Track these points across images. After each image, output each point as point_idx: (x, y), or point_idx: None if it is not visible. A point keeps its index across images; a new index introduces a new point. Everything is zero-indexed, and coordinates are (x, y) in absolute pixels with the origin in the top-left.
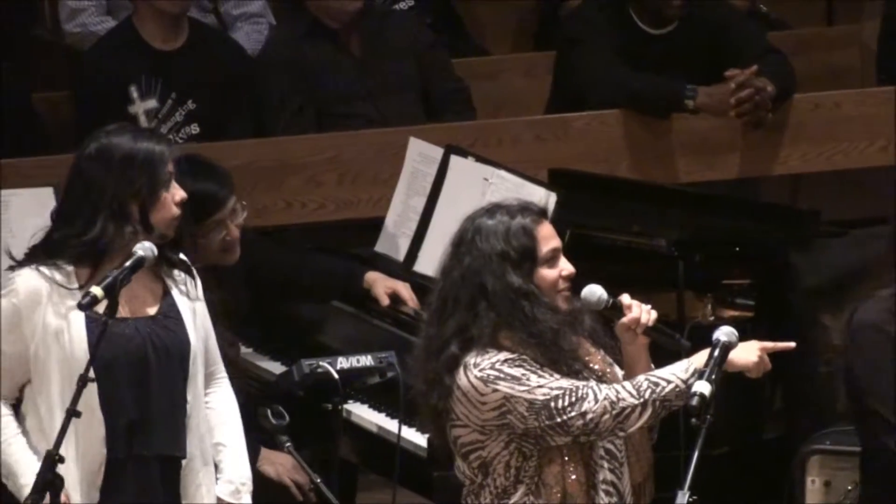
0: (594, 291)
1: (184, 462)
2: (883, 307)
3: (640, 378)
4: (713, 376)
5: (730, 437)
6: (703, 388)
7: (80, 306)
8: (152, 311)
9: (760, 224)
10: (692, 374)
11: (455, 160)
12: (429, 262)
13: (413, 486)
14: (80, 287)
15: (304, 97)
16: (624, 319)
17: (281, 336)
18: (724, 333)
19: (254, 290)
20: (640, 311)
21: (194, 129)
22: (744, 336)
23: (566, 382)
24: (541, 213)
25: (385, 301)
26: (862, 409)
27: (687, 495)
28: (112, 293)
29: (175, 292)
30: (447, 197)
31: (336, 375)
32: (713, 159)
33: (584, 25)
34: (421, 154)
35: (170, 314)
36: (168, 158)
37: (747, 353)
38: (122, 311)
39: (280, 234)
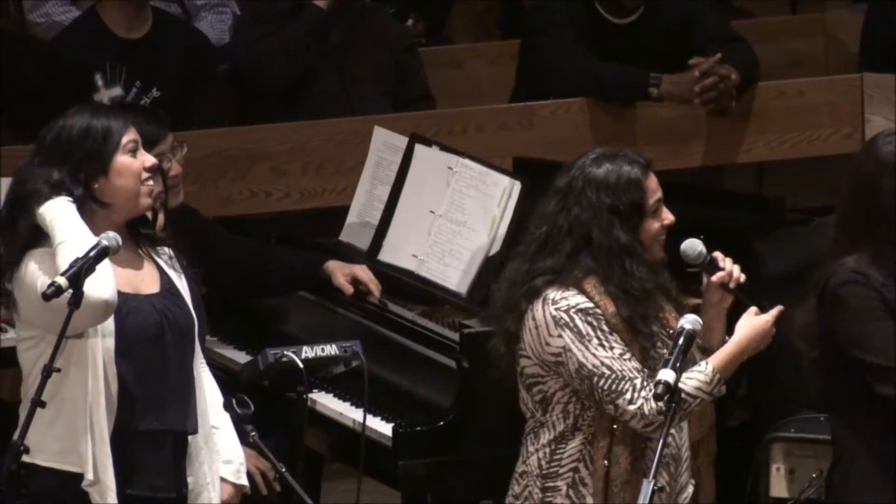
0: (694, 246)
1: (190, 438)
2: (853, 268)
3: None
4: (678, 364)
5: None
6: (667, 376)
7: (45, 296)
8: (156, 288)
9: (725, 212)
10: (716, 384)
11: (419, 149)
12: (393, 251)
13: (378, 476)
14: None
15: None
16: (720, 273)
17: (245, 325)
18: (688, 321)
19: (210, 278)
20: (734, 267)
21: (162, 114)
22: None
23: (618, 365)
24: (647, 165)
25: (349, 290)
26: (847, 366)
27: (653, 483)
28: (76, 283)
29: (167, 269)
30: (412, 186)
31: (301, 365)
32: (677, 147)
33: (549, 14)
34: (385, 143)
35: (172, 291)
36: (122, 127)
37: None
38: (131, 290)
39: (245, 224)
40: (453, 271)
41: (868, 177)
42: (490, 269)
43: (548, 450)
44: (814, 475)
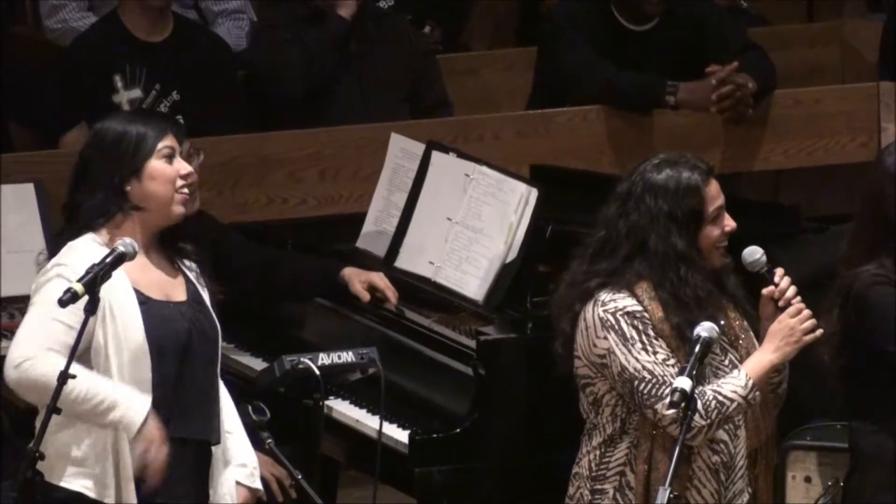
0: (753, 253)
1: (214, 450)
2: (876, 272)
3: (710, 396)
4: (694, 372)
5: None
6: (683, 383)
7: (61, 302)
8: (183, 297)
9: (741, 219)
10: (751, 389)
11: (436, 156)
12: (410, 258)
13: (394, 483)
14: None
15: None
16: (770, 287)
17: (262, 332)
18: (704, 329)
19: (226, 284)
20: (788, 284)
21: (179, 120)
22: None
23: (659, 370)
24: (708, 171)
25: (365, 297)
26: (874, 371)
27: (668, 491)
28: (93, 289)
29: (192, 279)
30: (428, 193)
31: (317, 371)
32: (694, 155)
33: (566, 21)
34: (402, 150)
35: (197, 300)
36: (159, 133)
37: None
38: (163, 296)
39: (262, 231)
40: (470, 278)
41: (875, 187)
42: (506, 276)
43: (598, 452)
44: (829, 483)
